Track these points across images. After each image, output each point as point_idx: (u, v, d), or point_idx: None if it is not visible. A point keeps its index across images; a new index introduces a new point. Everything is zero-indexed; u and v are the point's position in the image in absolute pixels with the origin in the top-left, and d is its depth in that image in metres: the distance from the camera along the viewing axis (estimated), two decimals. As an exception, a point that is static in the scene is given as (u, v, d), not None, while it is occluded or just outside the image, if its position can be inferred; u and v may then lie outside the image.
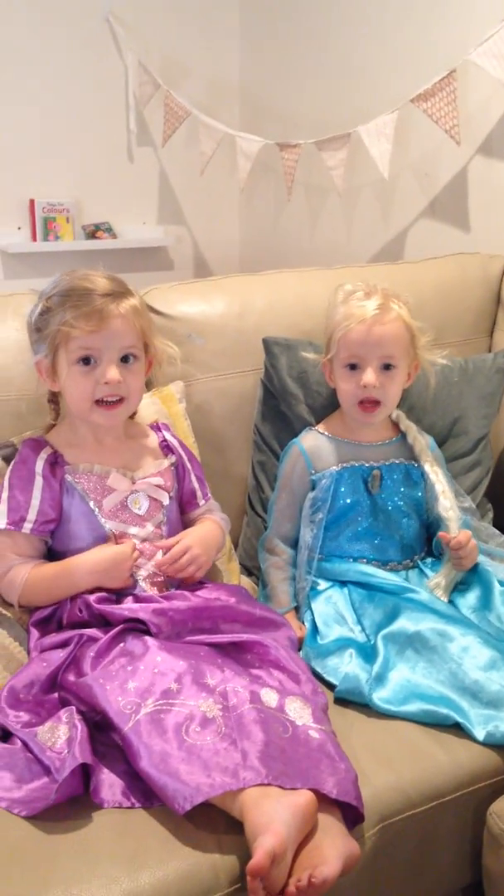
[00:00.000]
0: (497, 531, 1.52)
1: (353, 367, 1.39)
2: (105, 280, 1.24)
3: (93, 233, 2.90)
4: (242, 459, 1.61)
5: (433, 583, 1.37)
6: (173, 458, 1.36)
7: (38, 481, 1.23)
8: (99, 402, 1.23)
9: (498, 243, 1.98)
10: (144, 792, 1.01)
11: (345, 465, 1.43)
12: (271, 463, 1.57)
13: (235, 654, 1.17)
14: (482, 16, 1.95)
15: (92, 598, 1.20)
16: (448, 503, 1.39)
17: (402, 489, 1.44)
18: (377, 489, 1.43)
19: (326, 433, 1.48)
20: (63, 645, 1.17)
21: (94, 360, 1.21)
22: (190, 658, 1.11)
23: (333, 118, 2.37)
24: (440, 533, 1.38)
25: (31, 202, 2.82)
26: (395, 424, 1.50)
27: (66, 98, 2.77)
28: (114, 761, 1.04)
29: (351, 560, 1.41)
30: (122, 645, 1.14)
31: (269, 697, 1.08)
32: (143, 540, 1.26)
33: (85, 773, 1.02)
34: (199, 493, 1.38)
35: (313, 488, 1.43)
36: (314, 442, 1.47)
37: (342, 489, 1.42)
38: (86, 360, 1.21)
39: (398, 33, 2.28)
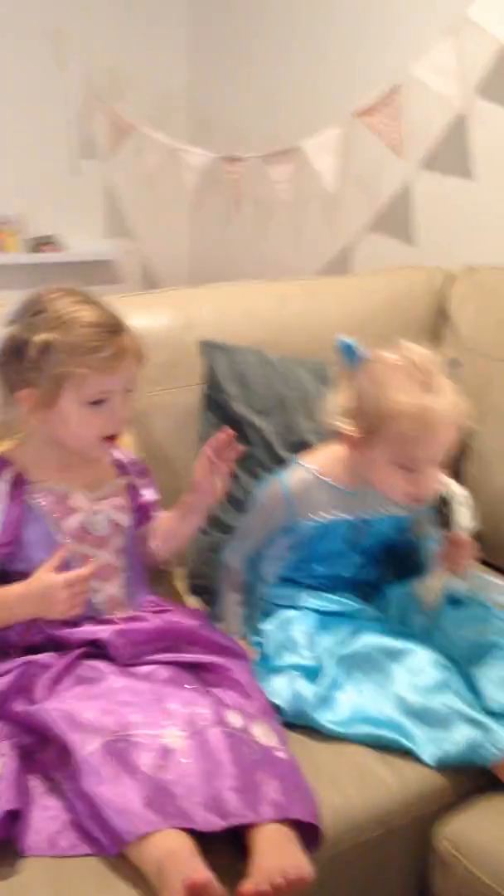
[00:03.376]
0: None
1: (403, 464, 1.21)
2: (98, 310, 1.18)
3: (38, 246, 2.85)
4: (187, 474, 1.57)
5: (429, 584, 1.28)
6: (127, 478, 1.32)
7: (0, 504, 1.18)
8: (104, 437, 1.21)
9: (441, 256, 1.99)
10: (70, 839, 0.95)
11: (333, 518, 1.30)
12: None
13: (196, 673, 1.15)
14: (426, 31, 1.96)
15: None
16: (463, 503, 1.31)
17: (385, 537, 1.36)
18: (361, 539, 1.34)
19: (321, 478, 1.31)
20: (5, 673, 1.11)
21: (105, 399, 1.17)
22: (150, 682, 1.08)
23: (280, 132, 2.37)
24: (452, 533, 1.27)
25: (-26, 215, 2.76)
26: None
27: (9, 110, 2.72)
28: (41, 803, 0.99)
29: (305, 587, 1.35)
30: (77, 671, 1.10)
31: (235, 719, 1.05)
32: (104, 564, 1.22)
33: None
34: (152, 506, 1.35)
35: (290, 527, 1.33)
36: (303, 486, 1.31)
37: (323, 540, 1.33)
38: (98, 400, 1.17)
39: (344, 47, 2.29)
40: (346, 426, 1.24)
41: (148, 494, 1.35)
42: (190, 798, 0.93)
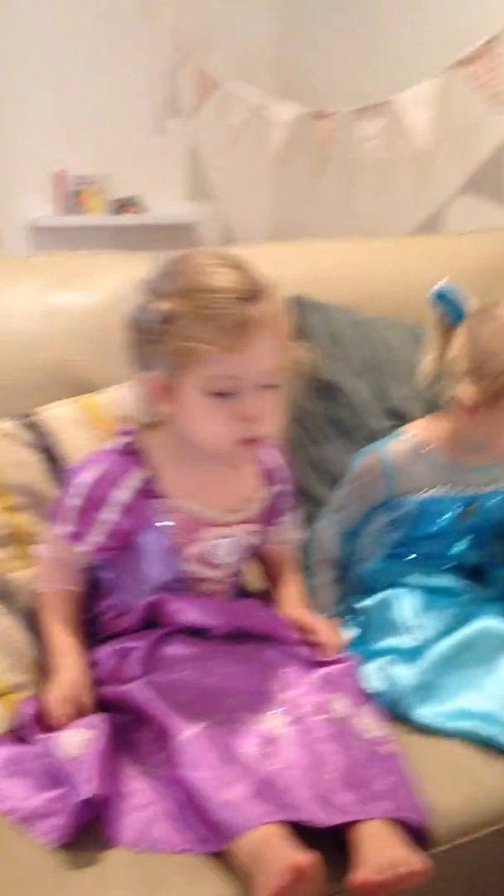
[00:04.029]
0: None
1: None
2: (236, 274, 0.95)
3: (121, 207, 2.82)
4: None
5: None
6: (275, 489, 1.13)
7: (113, 510, 1.02)
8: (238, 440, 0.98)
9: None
10: (162, 833, 0.88)
11: (438, 494, 1.19)
12: (308, 442, 1.45)
13: (297, 655, 1.07)
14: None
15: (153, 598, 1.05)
16: None
17: (496, 517, 1.25)
18: (471, 519, 1.23)
19: (425, 449, 1.20)
20: (102, 660, 1.05)
21: (234, 389, 0.96)
22: (250, 663, 1.00)
23: (371, 86, 2.27)
24: None
25: (60, 175, 2.75)
26: None
27: (97, 68, 2.70)
28: (134, 789, 0.92)
29: (409, 564, 1.25)
30: (173, 650, 1.02)
31: (340, 706, 0.97)
32: (217, 581, 1.10)
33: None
34: (284, 512, 1.17)
35: (389, 506, 1.22)
36: (405, 459, 1.19)
37: (427, 518, 1.21)
38: (221, 392, 0.95)
39: (441, -5, 2.17)
40: (464, 389, 1.12)
41: (283, 505, 1.16)
42: (297, 791, 0.87)
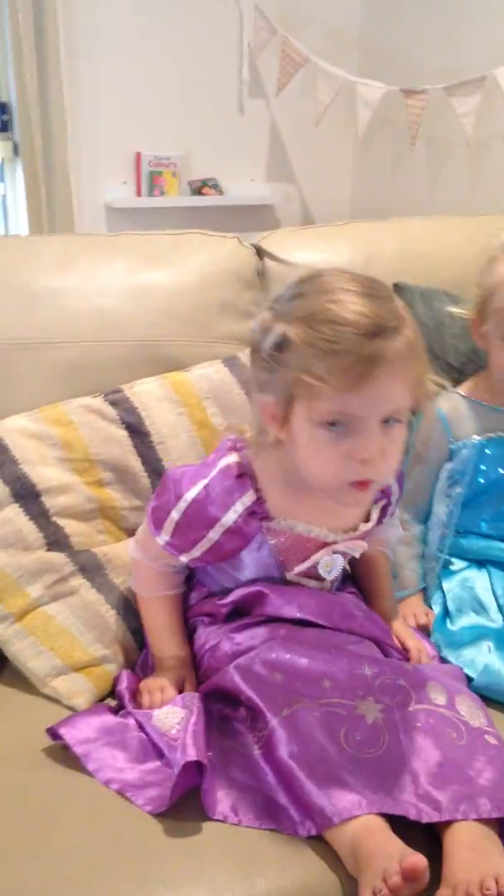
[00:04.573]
0: None
1: None
2: (367, 305, 0.85)
3: (199, 188, 2.79)
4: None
5: None
6: (384, 502, 1.06)
7: (217, 531, 0.98)
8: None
9: None
10: (256, 810, 0.87)
11: (490, 435, 1.25)
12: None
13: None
14: None
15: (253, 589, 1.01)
16: None
17: None
18: None
19: (469, 397, 1.29)
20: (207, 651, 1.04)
21: (349, 424, 0.87)
22: (342, 647, 0.97)
23: (463, 62, 2.18)
24: None
25: (138, 156, 2.73)
26: None
27: (177, 47, 2.67)
28: (230, 765, 0.91)
29: (491, 539, 1.25)
30: (265, 632, 0.99)
31: (438, 694, 0.93)
32: (321, 589, 1.06)
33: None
34: (389, 514, 1.10)
35: (451, 458, 1.26)
36: (453, 406, 1.27)
37: (485, 463, 1.25)
38: (337, 423, 0.88)
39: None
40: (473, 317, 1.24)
41: (391, 511, 1.10)
42: (395, 782, 0.84)
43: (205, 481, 0.99)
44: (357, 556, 1.05)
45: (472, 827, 0.82)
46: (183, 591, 1.09)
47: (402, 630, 1.09)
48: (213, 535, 0.98)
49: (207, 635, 1.04)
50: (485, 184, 2.32)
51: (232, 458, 1.00)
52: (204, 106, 2.74)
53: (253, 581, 1.04)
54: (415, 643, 1.08)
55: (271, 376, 0.90)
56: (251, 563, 1.03)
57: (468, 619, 1.15)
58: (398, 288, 1.41)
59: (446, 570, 1.23)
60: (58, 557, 1.09)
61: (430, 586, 1.24)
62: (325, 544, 1.01)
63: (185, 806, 0.88)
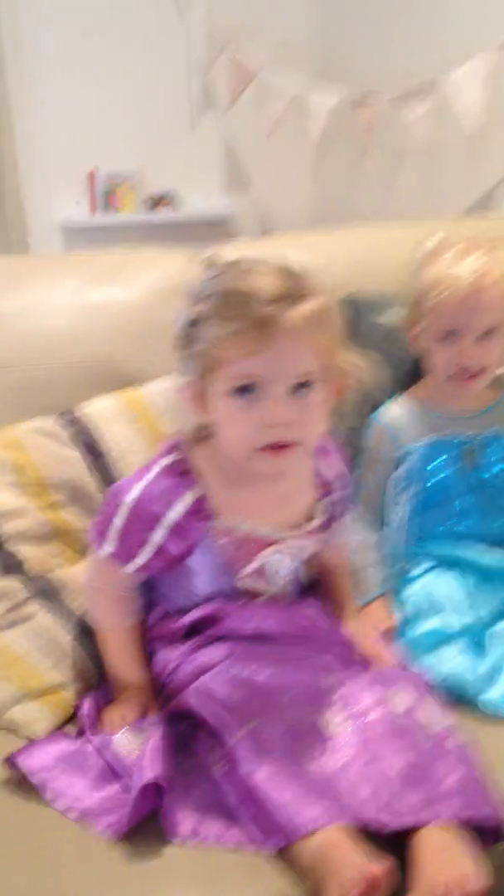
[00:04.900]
0: None
1: (447, 336, 1.22)
2: (274, 277, 0.89)
3: (155, 204, 2.79)
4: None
5: None
6: (329, 498, 1.07)
7: (161, 533, 0.97)
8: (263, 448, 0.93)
9: None
10: (218, 829, 0.86)
11: (436, 437, 1.27)
12: (353, 436, 1.42)
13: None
14: None
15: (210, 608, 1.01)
16: None
17: (502, 463, 1.28)
18: (472, 465, 1.27)
19: (413, 403, 1.31)
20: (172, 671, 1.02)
21: (258, 390, 0.90)
22: (302, 660, 0.97)
23: (415, 69, 2.20)
24: None
25: (91, 174, 2.72)
26: (493, 390, 1.33)
27: (128, 64, 2.67)
28: (192, 785, 0.90)
29: (449, 541, 1.25)
30: (222, 650, 0.98)
31: (401, 699, 0.92)
32: (271, 595, 1.05)
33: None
34: (340, 516, 1.12)
35: (401, 464, 1.27)
36: (398, 413, 1.30)
37: (434, 465, 1.26)
38: (244, 390, 0.90)
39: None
40: (405, 321, 1.28)
41: (339, 511, 1.10)
42: (357, 793, 0.83)
43: (144, 482, 0.99)
44: (307, 555, 1.05)
45: (438, 831, 0.81)
46: (140, 620, 1.07)
47: (364, 637, 1.08)
48: (158, 537, 0.97)
49: (167, 659, 1.02)
50: (438, 188, 2.34)
51: (172, 458, 1.00)
52: (157, 121, 2.75)
53: (209, 599, 1.03)
54: (376, 649, 1.07)
55: (187, 357, 0.94)
56: (201, 570, 1.01)
57: (430, 623, 1.15)
58: (349, 301, 1.42)
59: (407, 575, 1.23)
60: (12, 584, 1.07)
61: (392, 591, 1.24)
62: (271, 543, 1.01)
63: (147, 829, 0.86)
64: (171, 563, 1.00)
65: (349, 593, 1.16)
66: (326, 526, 1.08)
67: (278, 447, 0.92)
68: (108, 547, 1.00)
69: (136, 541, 0.98)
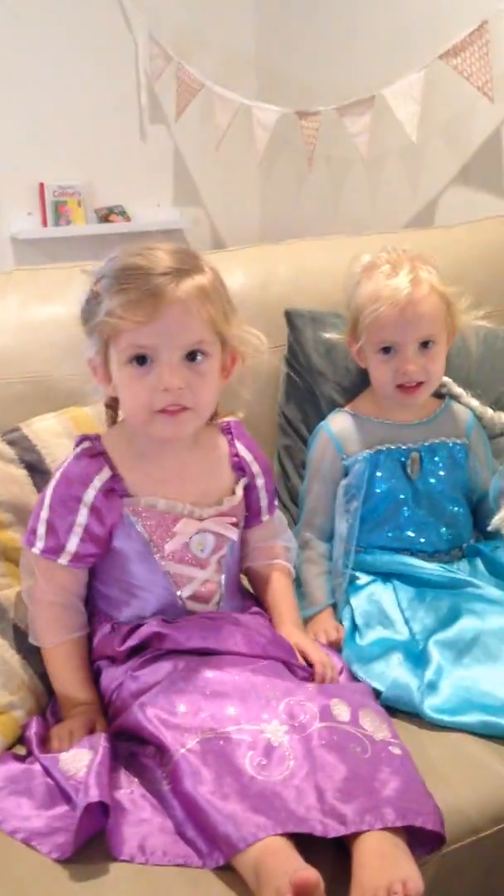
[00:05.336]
0: None
1: (387, 350, 1.25)
2: (165, 254, 0.98)
3: (106, 216, 2.79)
4: (268, 444, 1.48)
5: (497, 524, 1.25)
6: (246, 480, 1.13)
7: (83, 513, 1.02)
8: (160, 411, 1.00)
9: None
10: (164, 846, 0.87)
11: (379, 447, 1.30)
12: (298, 448, 1.44)
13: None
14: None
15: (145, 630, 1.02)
16: None
17: (446, 472, 1.31)
18: (417, 474, 1.30)
19: (357, 414, 1.34)
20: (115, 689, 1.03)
21: (151, 360, 0.98)
22: (243, 670, 0.98)
23: (356, 82, 2.24)
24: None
25: (41, 186, 2.72)
26: (436, 399, 1.36)
27: (75, 77, 2.67)
28: (137, 804, 0.91)
29: (392, 552, 1.28)
30: (165, 667, 0.99)
31: (341, 710, 0.94)
32: (203, 582, 1.08)
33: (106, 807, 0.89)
34: (264, 511, 1.17)
35: (346, 475, 1.30)
36: (344, 424, 1.33)
37: (378, 475, 1.29)
38: (140, 359, 0.98)
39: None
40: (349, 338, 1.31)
41: (263, 499, 1.16)
42: (301, 801, 0.84)
43: (62, 470, 1.05)
44: (233, 538, 1.09)
45: (380, 836, 0.83)
46: (85, 634, 1.08)
47: (307, 645, 1.10)
48: (81, 518, 1.02)
49: (111, 677, 1.03)
50: (382, 200, 2.38)
51: (84, 445, 1.07)
52: (105, 134, 2.75)
53: (154, 614, 1.04)
54: (319, 657, 1.09)
55: (88, 332, 1.01)
56: (126, 555, 1.05)
57: (376, 633, 1.17)
58: (289, 314, 1.45)
59: (353, 586, 1.25)
60: (-43, 605, 1.07)
61: (338, 602, 1.26)
62: (190, 520, 1.05)
63: (93, 849, 0.87)
64: (100, 546, 1.03)
65: (292, 604, 1.18)
66: (248, 515, 1.12)
67: (173, 410, 0.99)
68: (39, 543, 1.04)
69: (62, 527, 1.02)
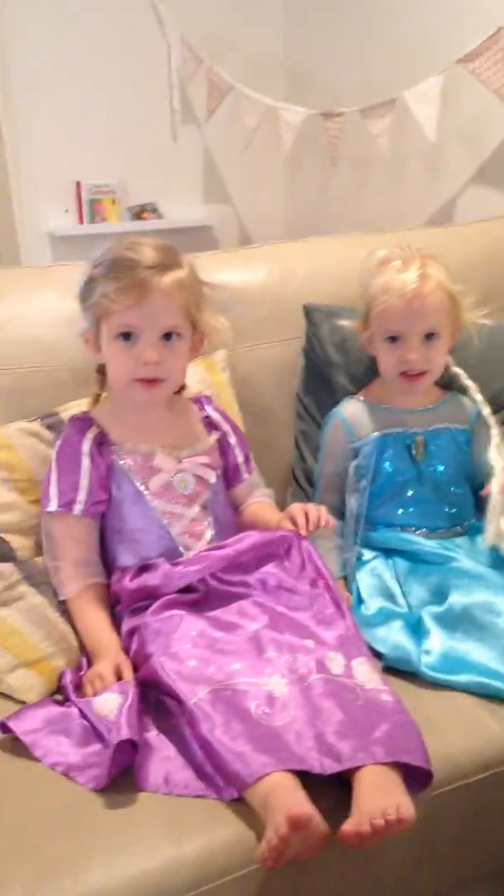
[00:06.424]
0: None
1: (393, 338, 1.36)
2: (152, 250, 1.18)
3: (138, 214, 2.90)
4: (286, 430, 1.59)
5: (489, 535, 1.31)
6: (217, 434, 1.33)
7: (85, 462, 1.21)
8: (139, 379, 1.20)
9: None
10: (185, 780, 0.99)
11: (386, 431, 1.40)
12: (314, 433, 1.54)
13: (290, 597, 1.18)
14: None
15: (148, 578, 1.18)
16: (497, 454, 1.36)
17: (449, 456, 1.41)
18: (422, 457, 1.39)
19: (367, 400, 1.45)
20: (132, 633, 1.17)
21: (135, 337, 1.18)
22: (247, 628, 1.11)
23: (378, 85, 2.32)
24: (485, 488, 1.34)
25: (77, 184, 2.82)
26: (442, 388, 1.45)
27: (111, 79, 2.77)
28: (164, 741, 1.03)
29: (398, 528, 1.38)
30: (174, 621, 1.13)
31: (335, 663, 1.06)
32: (191, 521, 1.24)
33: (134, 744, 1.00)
34: (242, 468, 1.36)
35: (356, 456, 1.40)
36: (354, 410, 1.44)
37: (385, 457, 1.39)
38: (126, 336, 1.18)
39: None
40: (361, 327, 1.42)
41: (239, 455, 1.36)
42: (301, 742, 0.95)
43: (61, 437, 1.25)
44: (211, 480, 1.27)
45: (375, 770, 0.93)
46: (104, 584, 1.22)
47: (293, 508, 1.26)
48: (84, 468, 1.21)
49: (130, 628, 1.16)
50: (404, 197, 2.46)
51: (76, 415, 1.28)
52: (139, 134, 2.85)
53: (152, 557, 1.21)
54: (294, 509, 1.26)
55: (84, 309, 1.21)
56: (123, 500, 1.22)
57: (379, 603, 1.27)
58: (307, 309, 1.54)
59: (359, 561, 1.35)
60: (6, 567, 1.19)
61: (349, 575, 1.35)
62: (169, 460, 1.24)
63: (124, 781, 0.98)
64: (104, 491, 1.22)
65: (273, 508, 1.35)
66: (228, 467, 1.33)
67: (149, 381, 1.20)
68: (54, 501, 1.20)
69: (70, 482, 1.21)
